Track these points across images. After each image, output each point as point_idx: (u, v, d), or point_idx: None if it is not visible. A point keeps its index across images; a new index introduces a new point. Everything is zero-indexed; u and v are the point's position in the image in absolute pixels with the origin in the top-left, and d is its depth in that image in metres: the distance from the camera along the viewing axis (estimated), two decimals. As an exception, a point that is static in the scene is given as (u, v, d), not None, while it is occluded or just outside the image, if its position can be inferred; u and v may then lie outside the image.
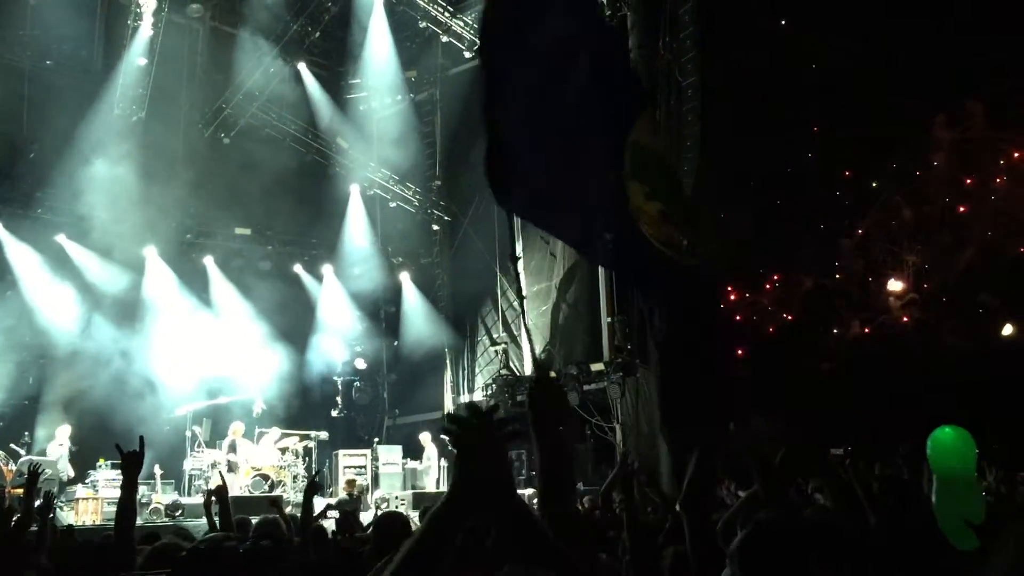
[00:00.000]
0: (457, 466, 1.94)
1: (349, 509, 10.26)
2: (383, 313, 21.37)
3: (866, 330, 16.93)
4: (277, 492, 14.89)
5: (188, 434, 15.60)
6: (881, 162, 16.84)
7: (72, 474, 14.38)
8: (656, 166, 2.90)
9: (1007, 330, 15.92)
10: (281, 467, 15.78)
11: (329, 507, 10.06)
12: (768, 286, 18.13)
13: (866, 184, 17.11)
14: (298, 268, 20.52)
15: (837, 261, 17.50)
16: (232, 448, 15.78)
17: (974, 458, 4.74)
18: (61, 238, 17.19)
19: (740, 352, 17.63)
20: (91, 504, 13.58)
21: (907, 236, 16.86)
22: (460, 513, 1.89)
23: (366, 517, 10.21)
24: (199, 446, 15.62)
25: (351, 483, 15.40)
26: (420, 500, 14.93)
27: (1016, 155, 16.01)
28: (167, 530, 7.07)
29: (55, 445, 14.53)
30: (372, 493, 16.39)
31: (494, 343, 19.97)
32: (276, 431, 16.38)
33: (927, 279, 16.73)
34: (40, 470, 5.49)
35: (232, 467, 15.32)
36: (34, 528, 5.21)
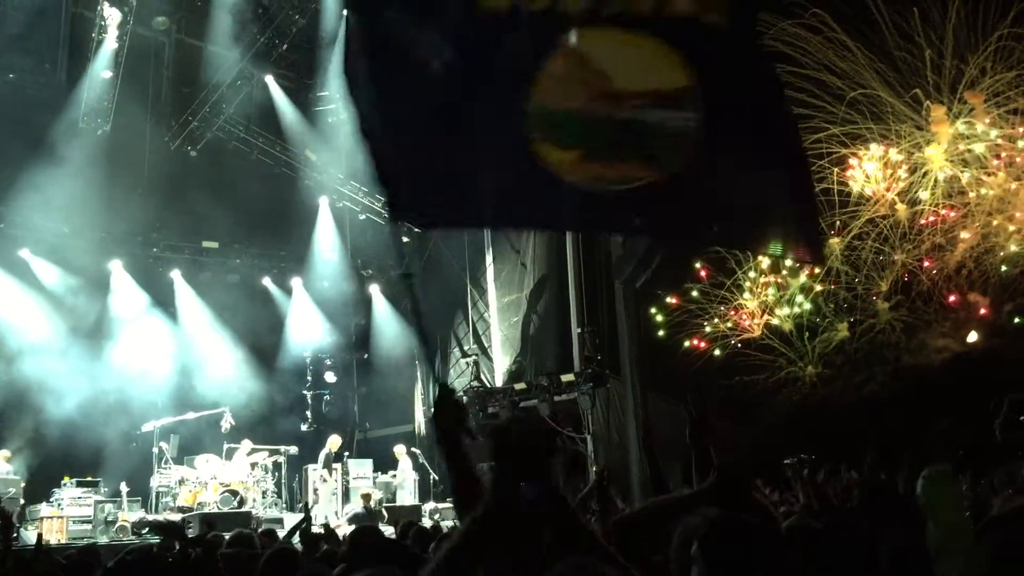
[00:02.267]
0: (496, 475, 1.97)
1: (366, 523, 10.13)
2: (353, 326, 21.27)
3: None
4: (247, 508, 14.76)
5: (155, 450, 15.43)
6: (873, 158, 16.70)
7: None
8: (564, 119, 2.73)
9: (972, 337, 16.06)
10: (251, 482, 15.65)
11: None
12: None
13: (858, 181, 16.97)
14: (267, 281, 20.36)
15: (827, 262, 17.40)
16: (327, 462, 16.18)
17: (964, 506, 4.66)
18: (25, 253, 16.95)
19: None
20: (56, 523, 13.36)
21: (899, 236, 16.78)
22: (497, 522, 1.92)
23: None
24: (166, 462, 15.45)
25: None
26: (395, 513, 14.86)
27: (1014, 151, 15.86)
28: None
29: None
30: (343, 507, 16.27)
31: (465, 355, 19.95)
32: (247, 444, 16.28)
33: (917, 279, 16.66)
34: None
35: (326, 479, 15.99)
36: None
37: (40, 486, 14.51)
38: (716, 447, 3.22)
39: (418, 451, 17.64)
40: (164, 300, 18.78)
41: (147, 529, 13.27)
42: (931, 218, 16.34)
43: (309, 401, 19.45)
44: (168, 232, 18.84)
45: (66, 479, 14.36)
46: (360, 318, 21.25)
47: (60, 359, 16.35)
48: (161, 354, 17.74)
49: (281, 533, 9.71)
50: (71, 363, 16.39)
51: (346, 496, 16.63)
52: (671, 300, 17.72)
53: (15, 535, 6.19)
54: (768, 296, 17.80)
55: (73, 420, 15.72)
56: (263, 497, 15.82)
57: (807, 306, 17.34)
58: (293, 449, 17.18)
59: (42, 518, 13.44)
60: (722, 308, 18.07)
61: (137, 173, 18.26)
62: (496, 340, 19.64)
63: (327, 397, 19.94)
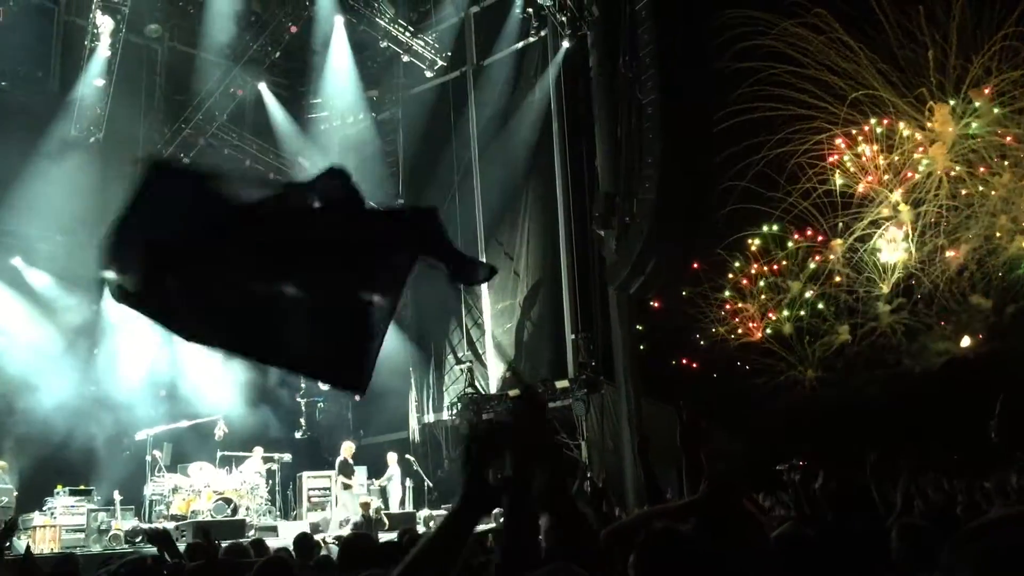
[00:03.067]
0: (468, 469, 1.95)
1: (364, 532, 10.06)
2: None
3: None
4: (240, 516, 14.70)
5: (148, 459, 15.34)
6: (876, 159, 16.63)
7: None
8: None
9: (965, 342, 16.05)
10: (246, 490, 15.58)
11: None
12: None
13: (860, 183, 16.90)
14: (260, 288, 20.29)
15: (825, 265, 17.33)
16: (342, 468, 15.94)
17: None
18: (17, 261, 16.91)
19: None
20: (48, 532, 13.28)
21: (903, 237, 16.72)
22: (474, 514, 1.91)
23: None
24: (160, 471, 15.38)
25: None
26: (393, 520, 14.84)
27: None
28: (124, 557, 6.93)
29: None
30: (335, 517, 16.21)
31: (459, 362, 19.92)
32: (259, 450, 16.37)
33: (918, 282, 16.61)
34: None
35: (346, 487, 15.76)
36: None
37: (32, 495, 14.42)
38: (707, 455, 3.19)
39: (412, 458, 17.59)
40: (157, 308, 18.71)
41: (140, 538, 13.23)
42: (904, 226, 16.35)
43: (303, 408, 19.39)
44: (161, 239, 18.79)
45: (59, 488, 14.27)
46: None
47: (52, 367, 16.29)
48: (154, 362, 17.66)
49: (272, 541, 9.68)
50: (63, 371, 16.34)
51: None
52: (654, 304, 17.59)
53: (8, 544, 6.15)
54: (763, 296, 17.79)
55: (66, 428, 15.65)
56: (258, 505, 15.75)
57: (820, 305, 17.29)
58: (287, 456, 17.13)
59: (35, 527, 13.36)
60: (722, 312, 18.07)
61: (130, 181, 18.13)
62: (490, 346, 19.62)
63: (321, 404, 19.89)
